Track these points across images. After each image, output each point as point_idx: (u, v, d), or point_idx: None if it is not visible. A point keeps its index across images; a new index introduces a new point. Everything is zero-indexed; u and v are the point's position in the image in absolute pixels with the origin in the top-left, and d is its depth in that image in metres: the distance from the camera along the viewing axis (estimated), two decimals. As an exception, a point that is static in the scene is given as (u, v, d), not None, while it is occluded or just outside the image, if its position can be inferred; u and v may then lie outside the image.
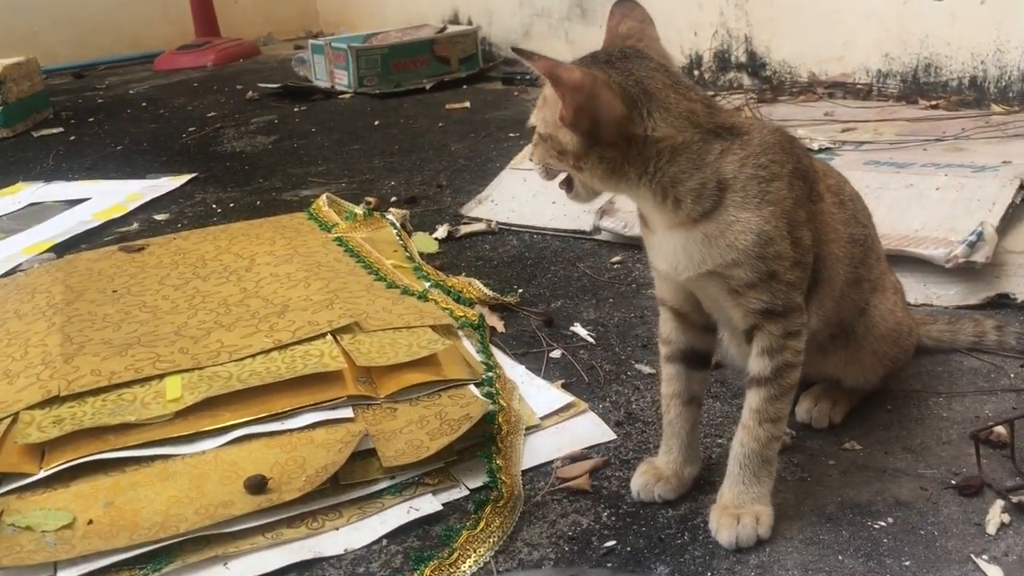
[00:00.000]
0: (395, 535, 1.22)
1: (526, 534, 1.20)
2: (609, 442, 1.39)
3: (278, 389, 1.47)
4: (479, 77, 4.46)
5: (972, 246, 1.69)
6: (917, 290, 1.72)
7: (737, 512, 1.15)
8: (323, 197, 2.53)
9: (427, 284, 1.94)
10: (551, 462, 1.35)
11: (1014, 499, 1.16)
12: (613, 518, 1.22)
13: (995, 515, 1.14)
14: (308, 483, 1.26)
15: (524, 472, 1.32)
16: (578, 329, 1.77)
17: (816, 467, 1.29)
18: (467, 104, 3.87)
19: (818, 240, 1.18)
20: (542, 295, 1.94)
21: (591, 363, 1.63)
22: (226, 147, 3.53)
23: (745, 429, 1.16)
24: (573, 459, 1.35)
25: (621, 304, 1.87)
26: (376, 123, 3.71)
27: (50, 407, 1.46)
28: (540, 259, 2.15)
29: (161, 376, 1.53)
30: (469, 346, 1.67)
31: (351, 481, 1.30)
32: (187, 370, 1.54)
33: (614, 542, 1.17)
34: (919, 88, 2.85)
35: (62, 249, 2.45)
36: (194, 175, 3.10)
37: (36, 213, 2.83)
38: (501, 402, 1.44)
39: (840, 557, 1.11)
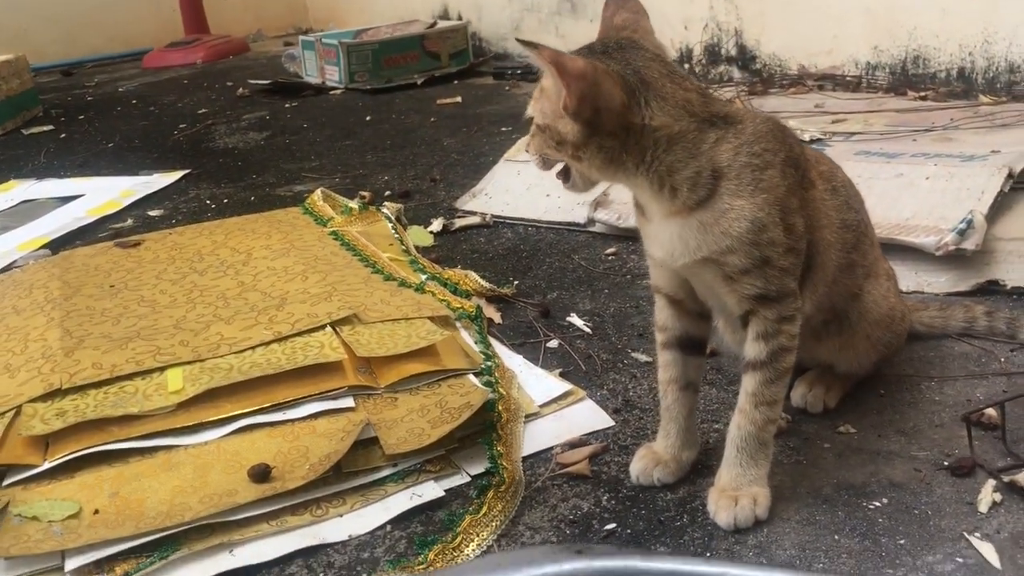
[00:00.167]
0: (398, 521, 1.23)
1: (528, 518, 1.22)
2: (607, 429, 1.41)
3: (279, 380, 1.48)
4: (470, 72, 4.47)
5: (962, 234, 1.72)
6: (908, 278, 1.75)
7: (735, 494, 1.17)
8: (318, 192, 2.54)
9: (424, 277, 1.95)
10: (551, 448, 1.37)
11: (1005, 479, 1.19)
12: (613, 502, 1.24)
13: (987, 494, 1.17)
14: (311, 471, 1.28)
15: (524, 458, 1.34)
16: (574, 319, 1.78)
17: (811, 450, 1.31)
18: (458, 99, 3.88)
19: (811, 226, 1.20)
20: (538, 287, 1.96)
21: (588, 352, 1.65)
22: (218, 143, 3.53)
23: (742, 412, 1.18)
24: (572, 445, 1.37)
25: (616, 295, 1.89)
26: (368, 118, 3.71)
27: (52, 400, 1.47)
28: (535, 251, 2.16)
29: (162, 368, 1.54)
30: (467, 337, 1.69)
31: (354, 469, 1.31)
32: (188, 362, 1.55)
33: (614, 525, 1.19)
34: (908, 80, 2.88)
35: (57, 245, 2.45)
36: (187, 171, 3.11)
37: (29, 210, 2.83)
38: (501, 390, 1.45)
39: (836, 537, 1.13)
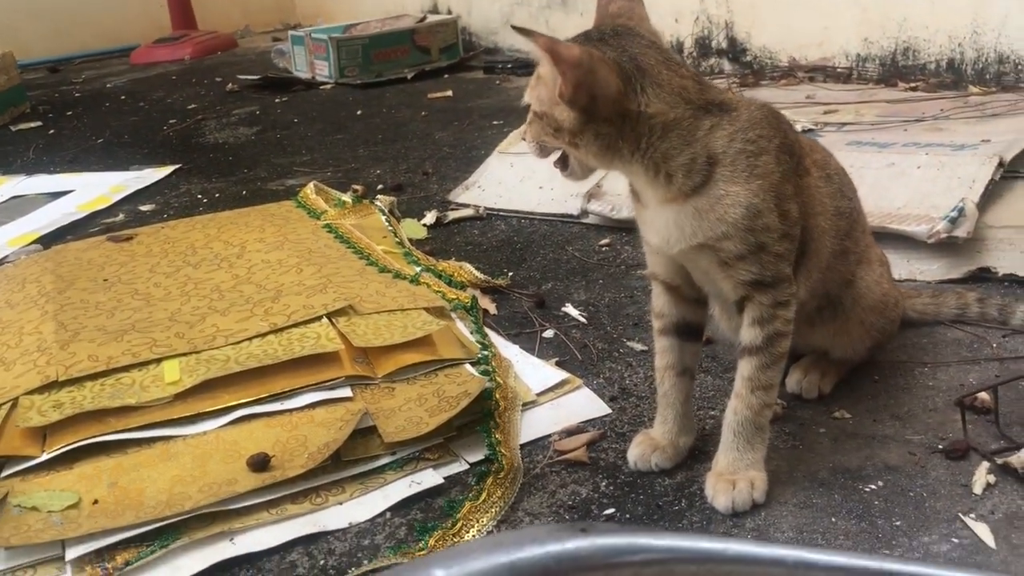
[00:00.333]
0: (398, 508, 1.24)
1: (527, 504, 1.23)
2: (604, 416, 1.42)
3: (276, 371, 1.49)
4: (460, 66, 4.47)
5: (953, 222, 1.73)
6: (901, 266, 1.76)
7: (732, 478, 1.18)
8: (310, 185, 2.54)
9: (418, 268, 1.95)
10: (548, 436, 1.38)
11: (999, 461, 1.20)
12: (611, 487, 1.25)
13: (981, 476, 1.18)
14: (310, 460, 1.28)
15: (522, 446, 1.35)
16: (569, 309, 1.79)
17: (807, 435, 1.33)
18: (449, 93, 3.88)
19: (805, 213, 1.21)
20: (532, 278, 1.97)
21: (584, 342, 1.66)
22: (208, 138, 3.52)
23: (738, 397, 1.19)
24: (570, 433, 1.38)
25: (611, 285, 1.90)
26: (359, 113, 3.71)
27: (49, 392, 1.46)
28: (529, 243, 2.17)
29: (159, 360, 1.54)
30: (463, 328, 1.70)
31: (352, 457, 1.32)
32: (184, 354, 1.55)
33: (613, 510, 1.20)
34: (898, 71, 2.90)
35: (48, 240, 2.45)
36: (178, 166, 3.10)
37: (19, 206, 2.82)
38: (498, 379, 1.46)
39: (833, 519, 1.14)
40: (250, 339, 1.58)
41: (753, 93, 2.89)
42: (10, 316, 1.81)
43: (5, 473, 1.33)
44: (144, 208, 2.70)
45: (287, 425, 1.38)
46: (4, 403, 1.44)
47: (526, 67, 4.16)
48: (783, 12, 3.24)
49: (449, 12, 4.95)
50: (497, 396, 1.41)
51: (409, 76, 4.27)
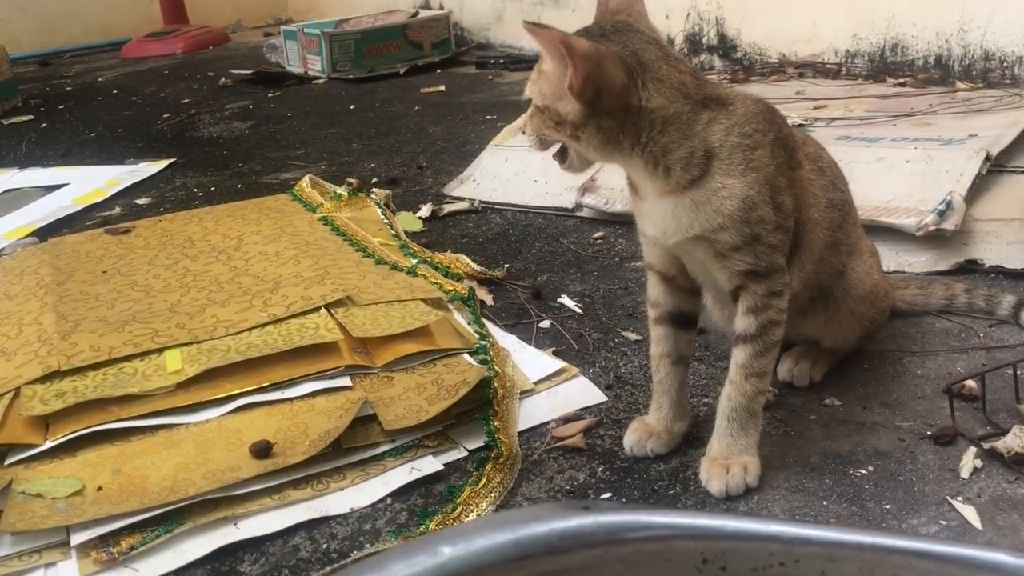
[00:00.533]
0: (399, 494, 1.26)
1: (525, 489, 1.25)
2: (601, 404, 1.44)
3: (277, 361, 1.51)
4: (452, 61, 4.49)
5: (942, 215, 1.76)
6: (890, 258, 1.79)
7: (726, 463, 1.21)
8: (306, 178, 2.55)
9: (415, 260, 1.97)
10: (546, 423, 1.40)
11: (986, 446, 1.23)
12: (608, 473, 1.27)
13: (968, 461, 1.21)
14: (312, 447, 1.30)
15: (520, 433, 1.37)
16: (565, 300, 1.82)
17: (799, 422, 1.36)
18: (442, 88, 3.90)
19: (798, 205, 1.24)
20: (528, 270, 1.99)
21: (579, 332, 1.68)
22: (203, 132, 3.53)
23: (732, 384, 1.22)
24: (567, 420, 1.40)
25: (606, 276, 1.92)
26: (352, 107, 3.72)
27: (51, 382, 1.48)
28: (524, 236, 2.19)
29: (160, 350, 1.55)
30: (460, 319, 1.72)
31: (353, 445, 1.34)
32: (185, 344, 1.57)
33: (610, 494, 1.23)
34: (886, 67, 2.93)
35: (44, 233, 2.45)
36: (173, 160, 3.10)
37: (14, 199, 2.82)
38: (496, 368, 1.48)
39: (825, 503, 1.17)
40: (250, 329, 1.60)
41: (743, 89, 2.92)
42: (9, 308, 1.82)
43: (9, 461, 1.34)
44: (140, 202, 2.70)
45: (288, 413, 1.40)
46: (6, 392, 1.46)
47: (518, 62, 4.20)
48: (773, 8, 3.27)
49: (441, 7, 4.96)
50: (495, 384, 1.44)
51: (401, 71, 4.29)
